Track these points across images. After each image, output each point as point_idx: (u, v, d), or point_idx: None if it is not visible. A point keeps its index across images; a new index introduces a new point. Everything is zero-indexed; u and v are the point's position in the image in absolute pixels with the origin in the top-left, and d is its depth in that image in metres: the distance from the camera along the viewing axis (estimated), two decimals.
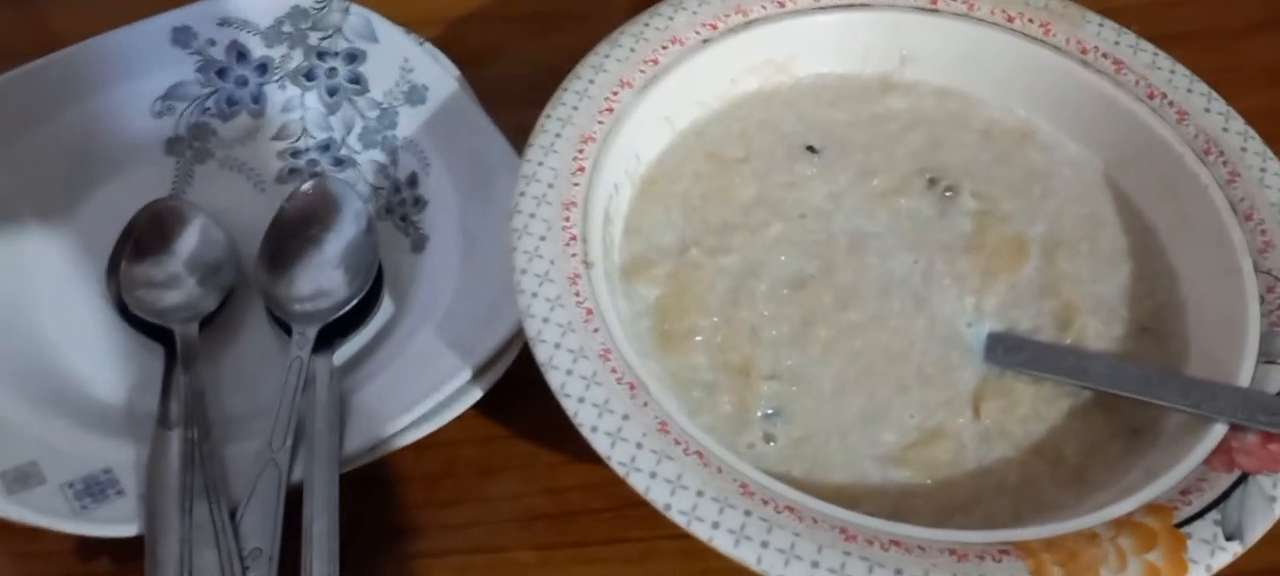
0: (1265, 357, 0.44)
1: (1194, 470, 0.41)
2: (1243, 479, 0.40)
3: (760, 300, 0.49)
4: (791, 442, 0.45)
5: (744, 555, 0.38)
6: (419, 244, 0.56)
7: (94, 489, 0.45)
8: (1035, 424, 0.46)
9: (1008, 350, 0.47)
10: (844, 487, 0.44)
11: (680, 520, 0.39)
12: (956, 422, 0.46)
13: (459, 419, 0.49)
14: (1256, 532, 0.39)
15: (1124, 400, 0.45)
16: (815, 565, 0.38)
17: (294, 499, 0.46)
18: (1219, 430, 0.42)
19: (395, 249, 0.56)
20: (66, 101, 0.57)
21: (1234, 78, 0.62)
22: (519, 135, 0.50)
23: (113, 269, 0.53)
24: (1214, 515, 0.39)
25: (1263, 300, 0.45)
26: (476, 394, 0.49)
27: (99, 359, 0.52)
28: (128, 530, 0.44)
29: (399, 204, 0.57)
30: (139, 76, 0.59)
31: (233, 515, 0.45)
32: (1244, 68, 0.64)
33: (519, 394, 0.48)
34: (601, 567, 0.48)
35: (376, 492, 0.50)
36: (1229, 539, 0.39)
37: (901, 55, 0.55)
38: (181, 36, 0.59)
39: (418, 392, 0.48)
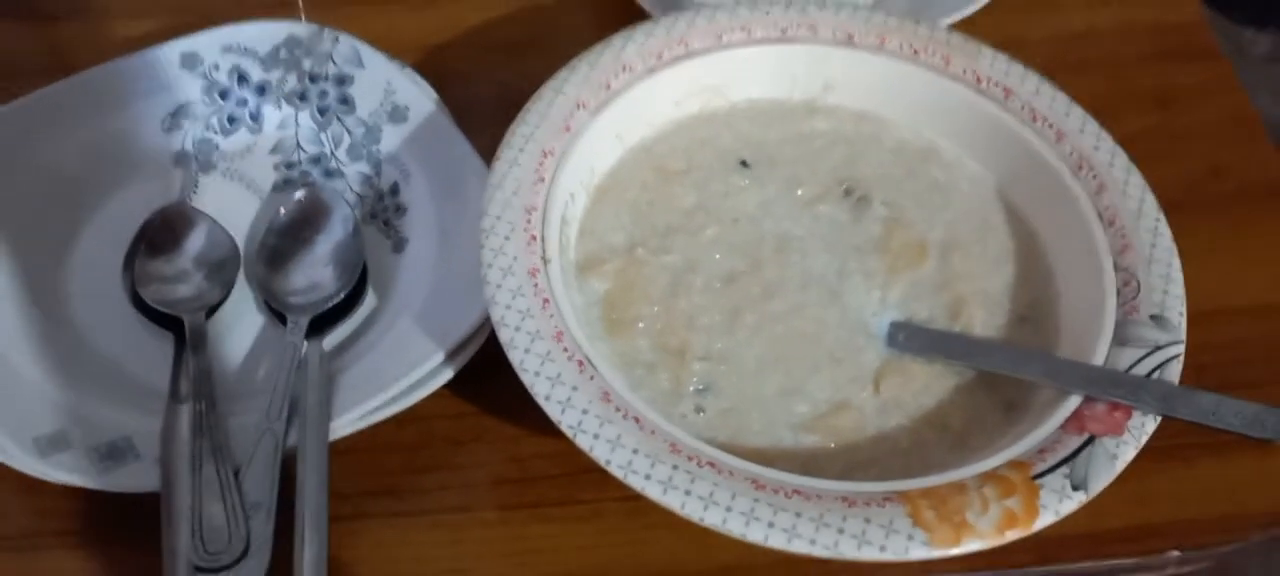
0: (1118, 341, 0.51)
1: (1051, 434, 0.48)
2: (1090, 440, 0.47)
3: (696, 292, 0.55)
4: (718, 413, 0.52)
5: (670, 501, 0.45)
6: (399, 245, 0.62)
7: (116, 453, 0.52)
8: (927, 398, 0.53)
9: (906, 336, 0.54)
10: (762, 450, 0.51)
11: (618, 473, 0.46)
12: (860, 396, 0.53)
13: (434, 396, 0.55)
14: (1099, 484, 0.46)
15: (1001, 378, 0.52)
16: (729, 509, 0.45)
17: (289, 463, 0.52)
18: (1074, 400, 0.49)
19: (378, 249, 0.62)
20: (87, 116, 0.63)
21: (1126, 102, 0.70)
22: (490, 149, 0.56)
23: (128, 265, 0.59)
24: (1064, 470, 0.46)
25: (1119, 293, 0.52)
26: (448, 374, 0.55)
27: (119, 342, 0.57)
28: (146, 486, 0.51)
29: (382, 210, 0.63)
30: (151, 96, 0.65)
31: (236, 475, 0.51)
32: (1135, 93, 0.71)
33: (487, 375, 0.54)
34: (557, 525, 0.54)
35: (361, 459, 0.55)
36: (1076, 489, 0.46)
37: (825, 83, 0.62)
38: (189, 61, 0.65)
39: (396, 372, 0.54)
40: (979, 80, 0.60)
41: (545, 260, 0.52)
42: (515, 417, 0.57)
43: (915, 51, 0.61)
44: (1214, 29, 0.77)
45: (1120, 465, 0.47)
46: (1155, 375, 0.49)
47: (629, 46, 0.60)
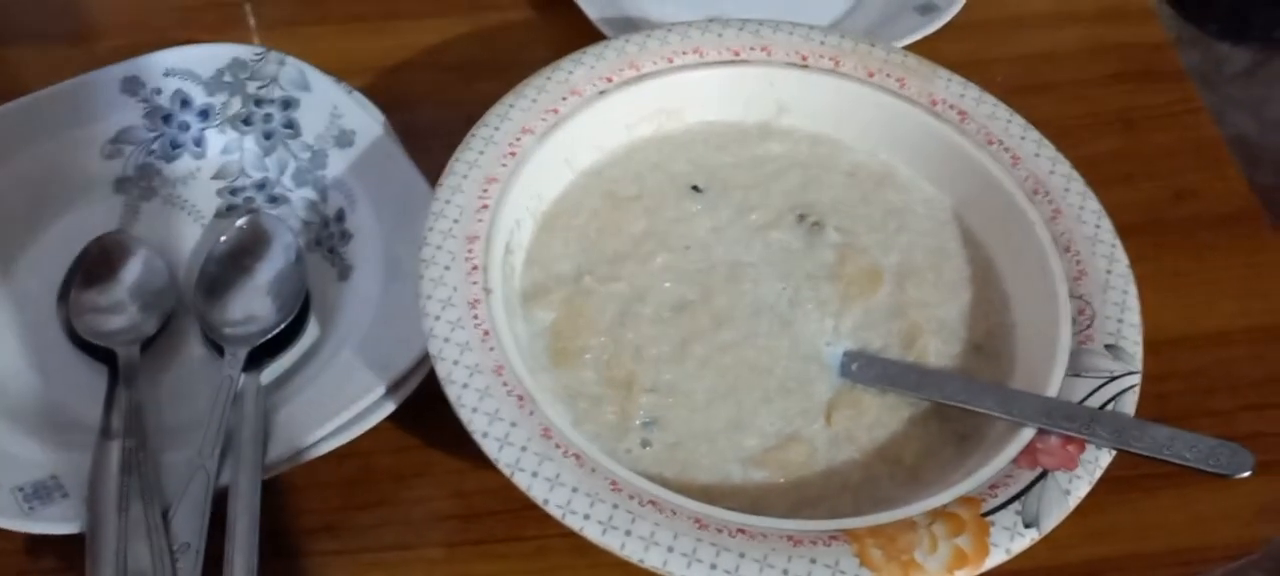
0: (1073, 371, 0.50)
1: (1004, 468, 0.47)
2: (1042, 475, 0.46)
3: (645, 322, 0.54)
4: (666, 447, 0.50)
5: (609, 542, 0.44)
6: (344, 273, 0.60)
7: (41, 492, 0.50)
8: (879, 431, 0.51)
9: (859, 366, 0.53)
10: (709, 487, 0.49)
11: (556, 513, 0.45)
12: (811, 429, 0.51)
13: (376, 430, 0.53)
14: (1051, 521, 0.45)
15: (955, 409, 0.51)
16: (670, 550, 0.44)
17: (221, 502, 0.50)
18: (1027, 433, 0.48)
19: (323, 277, 0.60)
20: (26, 143, 0.62)
21: (1091, 123, 0.69)
22: (440, 174, 0.55)
23: (63, 295, 0.58)
24: (1016, 506, 0.45)
25: (1074, 321, 0.51)
26: (390, 407, 0.53)
27: (49, 376, 0.56)
28: (70, 528, 0.49)
29: (327, 237, 0.62)
30: (91, 121, 0.63)
31: (165, 515, 0.49)
32: (1099, 115, 0.70)
33: (431, 407, 0.52)
34: (502, 563, 0.53)
35: (298, 497, 0.54)
36: (1027, 526, 0.45)
37: (778, 105, 0.61)
38: (130, 85, 0.64)
39: (337, 406, 0.52)
40: (934, 102, 0.59)
41: (487, 290, 0.51)
42: (459, 451, 0.55)
43: (870, 73, 0.59)
44: (1190, 45, 0.76)
45: (1073, 501, 0.45)
46: (1109, 406, 0.48)
47: (578, 70, 0.59)
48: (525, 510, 0.49)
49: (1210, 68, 1.64)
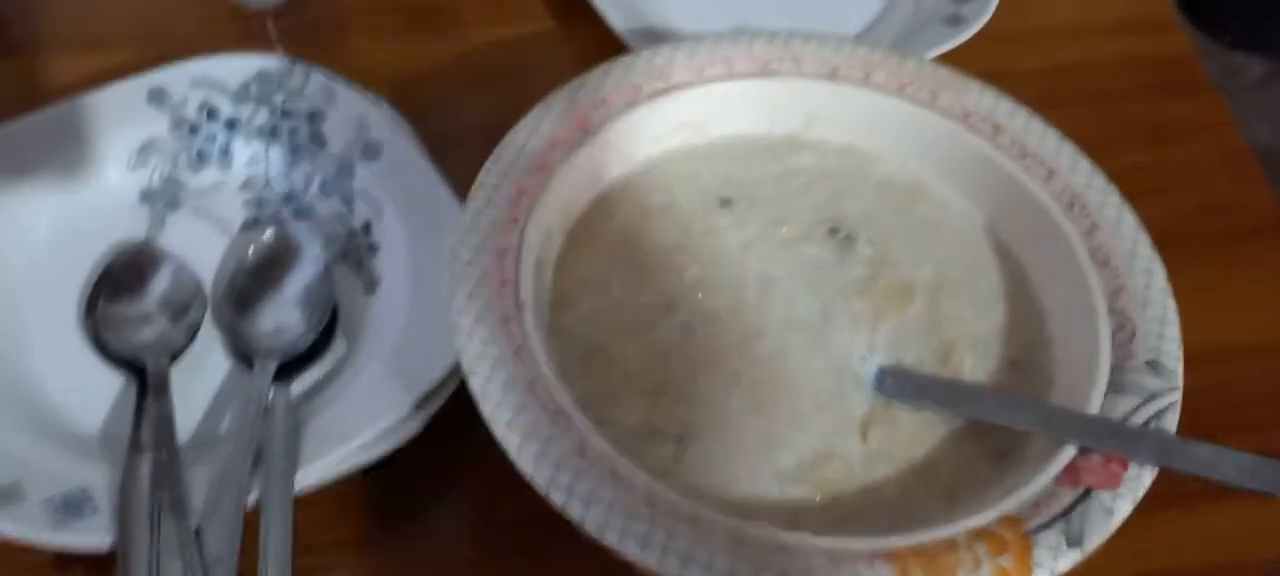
0: (1114, 388, 0.49)
1: (1046, 487, 0.46)
2: (1086, 494, 0.46)
3: (676, 334, 0.53)
4: (699, 461, 0.50)
5: (647, 559, 0.43)
6: (371, 286, 0.60)
7: (72, 506, 0.50)
8: (915, 448, 0.51)
9: (895, 382, 0.52)
10: (744, 501, 0.49)
11: (592, 531, 0.44)
12: (847, 445, 0.51)
13: (406, 445, 0.53)
14: (1095, 541, 0.44)
15: (993, 426, 0.50)
16: (709, 568, 0.43)
17: (254, 516, 0.50)
18: (1069, 451, 0.47)
19: (350, 290, 0.60)
20: (52, 153, 0.61)
21: (1118, 136, 0.69)
22: (468, 185, 0.54)
23: (91, 308, 0.57)
24: (1059, 525, 0.45)
25: (1114, 337, 0.50)
26: (421, 421, 0.53)
27: (78, 389, 0.55)
28: (101, 543, 0.49)
29: (354, 249, 0.61)
30: (117, 132, 0.63)
31: (197, 530, 0.49)
32: (1128, 128, 0.70)
33: (461, 421, 0.52)
34: None
35: (329, 511, 0.53)
36: (1071, 546, 0.44)
37: (808, 117, 0.60)
38: (157, 96, 0.64)
39: (367, 420, 0.52)
40: (967, 115, 0.58)
41: (520, 305, 0.51)
42: (490, 466, 0.53)
43: (902, 86, 0.59)
44: (1206, 56, 0.76)
45: (1117, 520, 0.45)
46: (1151, 424, 0.47)
47: (607, 82, 0.59)
48: (557, 524, 0.49)
49: (1226, 78, 1.64)
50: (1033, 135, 0.57)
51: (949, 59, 0.65)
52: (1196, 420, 0.52)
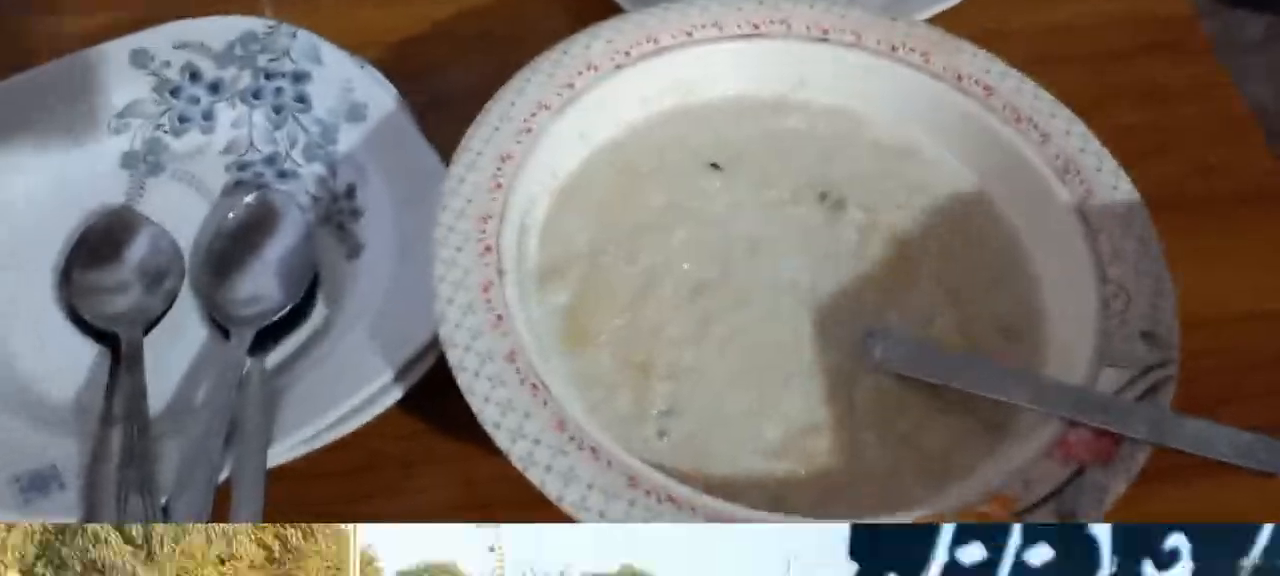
0: (1108, 359, 0.48)
1: (1036, 462, 0.45)
2: (1078, 473, 0.44)
3: (664, 300, 0.52)
4: (684, 437, 0.49)
5: None
6: (354, 251, 0.59)
7: (39, 482, 0.49)
8: (904, 419, 0.50)
9: (883, 349, 0.51)
10: (729, 479, 0.48)
11: (571, 509, 0.43)
12: (834, 416, 0.50)
13: (383, 415, 0.52)
14: (1088, 519, 0.43)
15: (983, 398, 0.49)
16: None
17: (225, 490, 0.49)
18: (1059, 425, 0.46)
19: (332, 255, 0.59)
20: (32, 116, 0.60)
21: (1113, 97, 0.67)
22: (455, 149, 0.53)
23: (66, 275, 0.56)
24: (1052, 504, 0.44)
25: (1108, 306, 0.49)
26: (399, 392, 0.52)
27: (49, 360, 0.54)
28: (67, 520, 0.48)
29: (337, 213, 0.60)
30: (99, 94, 0.62)
31: (165, 506, 0.48)
32: (1123, 88, 0.68)
33: (440, 392, 0.50)
34: None
35: (302, 484, 0.52)
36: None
37: (797, 79, 0.59)
38: (139, 58, 0.62)
39: (345, 391, 0.51)
40: (959, 77, 0.57)
41: (501, 272, 0.50)
42: (468, 437, 0.52)
43: (893, 47, 0.58)
44: (1205, 14, 0.74)
45: (1110, 499, 0.44)
46: (1146, 397, 0.46)
47: (595, 44, 0.58)
48: (537, 499, 0.48)
49: (1225, 37, 1.62)
50: (1026, 97, 0.56)
51: (941, 20, 0.64)
52: (1193, 388, 0.51)
